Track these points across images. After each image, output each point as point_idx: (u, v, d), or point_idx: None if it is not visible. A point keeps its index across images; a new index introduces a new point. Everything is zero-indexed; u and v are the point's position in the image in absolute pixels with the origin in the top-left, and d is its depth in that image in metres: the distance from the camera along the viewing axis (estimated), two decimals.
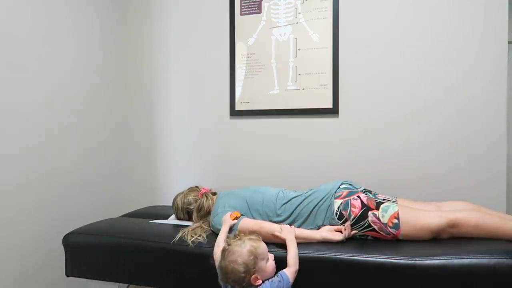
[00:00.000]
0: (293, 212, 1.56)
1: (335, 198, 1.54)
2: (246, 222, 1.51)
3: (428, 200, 1.78)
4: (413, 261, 1.26)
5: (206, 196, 1.75)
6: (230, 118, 2.33)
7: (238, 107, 2.30)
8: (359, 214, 1.47)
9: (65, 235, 1.72)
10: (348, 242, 1.44)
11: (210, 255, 1.40)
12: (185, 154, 2.44)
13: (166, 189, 2.48)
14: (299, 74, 2.17)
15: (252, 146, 2.29)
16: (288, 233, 1.39)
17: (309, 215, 1.55)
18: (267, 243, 1.33)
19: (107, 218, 2.18)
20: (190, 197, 1.77)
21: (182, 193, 1.81)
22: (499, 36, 1.86)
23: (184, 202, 1.78)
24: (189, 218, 1.78)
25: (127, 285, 1.87)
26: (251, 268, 1.20)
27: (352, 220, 1.47)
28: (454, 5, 1.92)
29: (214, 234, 1.55)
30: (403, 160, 2.02)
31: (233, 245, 1.25)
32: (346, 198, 1.53)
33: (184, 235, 1.54)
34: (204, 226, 1.64)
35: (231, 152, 2.34)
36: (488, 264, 1.21)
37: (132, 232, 1.64)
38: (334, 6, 2.09)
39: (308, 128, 2.18)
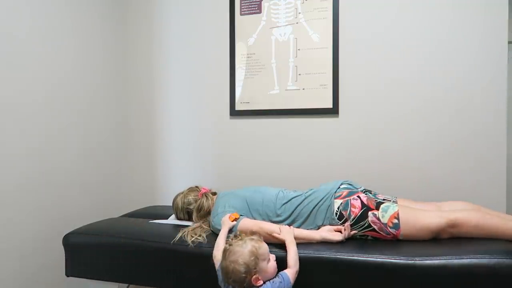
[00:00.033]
0: (293, 212, 1.56)
1: (335, 198, 1.54)
2: (246, 223, 1.51)
3: (428, 200, 1.78)
4: (413, 261, 1.26)
5: (206, 196, 1.75)
6: (230, 118, 2.33)
7: (238, 107, 2.30)
8: (359, 214, 1.47)
9: (65, 235, 1.72)
10: (348, 242, 1.44)
11: (210, 256, 1.40)
12: (185, 154, 2.44)
13: (166, 189, 2.48)
14: (299, 74, 2.17)
15: (252, 146, 2.29)
16: (287, 234, 1.39)
17: (309, 215, 1.55)
18: (268, 244, 1.33)
19: (107, 218, 2.18)
20: (190, 197, 1.77)
21: (182, 193, 1.81)
22: (499, 36, 1.86)
23: (184, 202, 1.78)
24: (189, 218, 1.78)
25: (127, 285, 1.87)
26: (252, 268, 1.20)
27: (352, 220, 1.47)
28: (454, 5, 1.92)
29: (214, 234, 1.55)
30: (403, 160, 2.02)
31: (234, 245, 1.25)
32: (346, 198, 1.53)
33: (184, 235, 1.54)
34: (204, 226, 1.64)
35: (231, 152, 2.34)
36: (488, 264, 1.21)
37: (132, 232, 1.64)
38: (334, 6, 2.09)
39: (308, 128, 2.18)
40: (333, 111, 2.11)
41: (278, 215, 1.58)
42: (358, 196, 1.52)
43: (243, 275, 1.19)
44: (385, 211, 1.45)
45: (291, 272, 1.27)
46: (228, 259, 1.23)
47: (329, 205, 1.53)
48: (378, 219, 1.45)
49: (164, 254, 1.53)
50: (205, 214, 1.71)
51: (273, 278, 1.24)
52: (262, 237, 1.33)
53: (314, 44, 2.14)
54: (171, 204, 1.85)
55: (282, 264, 1.29)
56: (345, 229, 1.45)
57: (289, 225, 1.54)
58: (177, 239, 1.53)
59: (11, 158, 1.79)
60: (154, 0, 2.48)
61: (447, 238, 1.42)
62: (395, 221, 1.43)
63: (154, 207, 2.29)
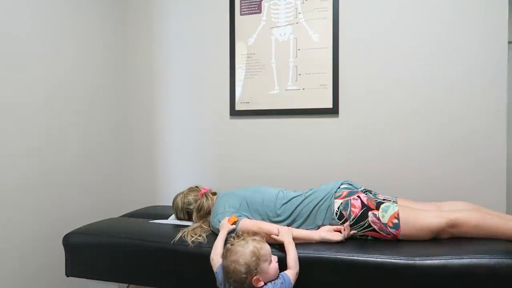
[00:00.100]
0: (293, 212, 1.56)
1: (335, 198, 1.54)
2: (246, 223, 1.51)
3: (428, 200, 1.79)
4: (413, 261, 1.26)
5: (206, 196, 1.75)
6: (230, 118, 2.33)
7: (238, 107, 2.30)
8: (359, 214, 1.47)
9: (65, 235, 1.72)
10: (348, 242, 1.44)
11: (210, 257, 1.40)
12: (185, 154, 2.44)
13: (166, 189, 2.48)
14: (299, 74, 2.17)
15: (252, 146, 2.29)
16: (285, 235, 1.39)
17: (309, 215, 1.55)
18: (270, 244, 1.33)
19: (107, 218, 2.18)
20: (190, 197, 1.77)
21: (182, 193, 1.81)
22: (499, 36, 1.86)
23: (184, 202, 1.78)
24: (189, 218, 1.78)
25: (127, 285, 1.87)
26: (253, 269, 1.19)
27: (352, 220, 1.47)
28: (454, 5, 1.92)
29: (214, 234, 1.55)
30: (403, 160, 2.02)
31: (236, 245, 1.24)
32: (346, 198, 1.52)
33: (184, 235, 1.54)
34: (204, 226, 1.64)
35: (231, 152, 2.34)
36: (488, 264, 1.21)
37: (132, 232, 1.64)
38: (334, 6, 2.09)
39: (308, 128, 2.18)
40: (333, 111, 2.11)
41: (278, 215, 1.58)
42: (358, 196, 1.52)
43: (244, 275, 1.19)
44: (385, 211, 1.45)
45: (291, 273, 1.27)
46: (229, 258, 1.23)
47: (329, 205, 1.53)
48: (378, 219, 1.45)
49: (164, 254, 1.53)
50: (205, 214, 1.71)
51: (275, 279, 1.24)
52: (263, 238, 1.33)
53: (314, 44, 2.14)
54: (171, 204, 1.86)
55: (282, 265, 1.29)
56: (344, 229, 1.45)
57: (289, 225, 1.55)
58: (177, 239, 1.53)
59: (11, 158, 1.79)
60: (154, 0, 2.48)
61: (447, 238, 1.42)
62: (395, 221, 1.43)
63: (154, 207, 2.29)
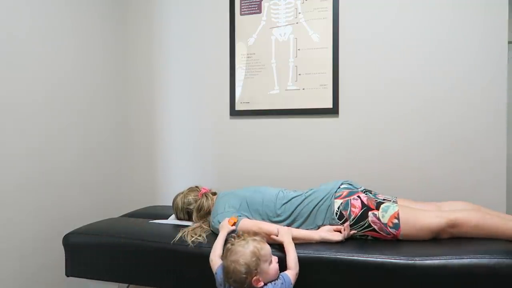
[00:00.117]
0: (293, 212, 1.56)
1: (335, 198, 1.54)
2: (246, 223, 1.51)
3: (428, 200, 1.79)
4: (413, 261, 1.26)
5: (206, 196, 1.75)
6: (230, 118, 2.33)
7: (238, 107, 2.30)
8: (359, 214, 1.47)
9: (65, 235, 1.72)
10: (348, 242, 1.44)
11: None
12: (185, 154, 2.44)
13: (166, 189, 2.48)
14: (299, 74, 2.17)
15: (252, 146, 2.29)
16: (285, 236, 1.38)
17: (309, 215, 1.55)
18: (270, 244, 1.33)
19: (107, 218, 2.18)
20: (190, 197, 1.77)
21: (182, 193, 1.81)
22: (499, 36, 1.86)
23: (184, 202, 1.78)
24: (189, 218, 1.78)
25: (127, 285, 1.87)
26: (252, 269, 1.19)
27: (352, 220, 1.47)
28: (454, 5, 1.92)
29: (214, 234, 1.55)
30: (403, 160, 2.02)
31: (236, 245, 1.24)
32: (346, 198, 1.52)
33: (184, 235, 1.54)
34: (204, 226, 1.64)
35: (231, 152, 2.34)
36: (488, 264, 1.21)
37: (132, 232, 1.64)
38: (334, 6, 2.09)
39: (308, 128, 2.18)
40: (333, 111, 2.11)
41: (278, 215, 1.58)
42: (358, 196, 1.52)
43: (244, 275, 1.18)
44: (385, 211, 1.45)
45: (291, 273, 1.26)
46: (229, 258, 1.23)
47: (329, 205, 1.53)
48: (378, 219, 1.45)
49: (164, 254, 1.53)
50: (205, 214, 1.71)
51: (275, 280, 1.23)
52: (264, 238, 1.33)
53: (314, 44, 2.14)
54: (171, 204, 1.86)
55: (282, 265, 1.29)
56: (344, 229, 1.45)
57: (289, 225, 1.55)
58: (177, 239, 1.53)
59: (11, 158, 1.79)
60: (154, 0, 2.48)
61: (447, 238, 1.42)
62: (395, 221, 1.43)
63: (154, 207, 2.28)
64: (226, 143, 2.34)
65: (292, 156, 2.21)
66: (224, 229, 1.45)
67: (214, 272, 1.32)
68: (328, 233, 1.45)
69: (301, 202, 1.58)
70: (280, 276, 1.25)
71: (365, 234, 1.48)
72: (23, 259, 1.86)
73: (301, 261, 1.32)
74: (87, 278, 1.68)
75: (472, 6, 1.89)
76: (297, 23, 2.17)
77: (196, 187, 1.84)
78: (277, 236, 1.41)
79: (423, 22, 1.97)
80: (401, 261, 1.27)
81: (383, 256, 1.30)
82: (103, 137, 2.37)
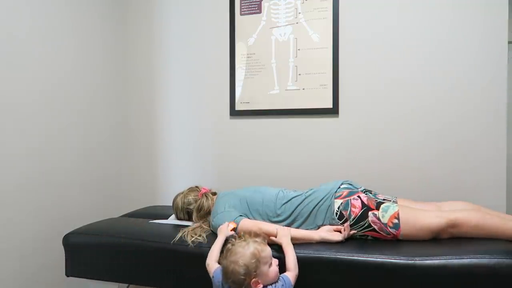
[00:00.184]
0: (293, 212, 1.56)
1: (336, 198, 1.54)
2: (246, 223, 1.51)
3: (428, 200, 1.79)
4: (413, 261, 1.26)
5: (206, 196, 1.75)
6: (230, 118, 2.33)
7: (238, 107, 2.30)
8: (359, 214, 1.47)
9: (65, 235, 1.72)
10: (348, 242, 1.44)
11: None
12: (185, 154, 2.44)
13: (166, 189, 2.48)
14: (299, 74, 2.17)
15: (252, 146, 2.29)
16: (284, 237, 1.37)
17: (309, 215, 1.55)
18: (270, 245, 1.32)
19: (107, 218, 2.18)
20: (190, 197, 1.77)
21: (182, 193, 1.81)
22: (499, 36, 1.86)
23: (184, 202, 1.78)
24: (189, 218, 1.78)
25: (127, 285, 1.87)
26: (252, 271, 1.18)
27: (352, 220, 1.47)
28: (454, 5, 1.92)
29: (214, 234, 1.55)
30: (403, 160, 2.01)
31: (236, 246, 1.23)
32: (347, 198, 1.52)
33: (184, 235, 1.54)
34: (204, 226, 1.64)
35: (231, 152, 2.34)
36: (488, 264, 1.21)
37: (132, 232, 1.64)
38: (334, 6, 2.09)
39: (308, 128, 2.18)
40: (333, 111, 2.11)
41: (278, 215, 1.58)
42: (359, 196, 1.52)
43: (242, 277, 1.18)
44: (385, 211, 1.45)
45: (291, 275, 1.26)
46: (228, 258, 1.22)
47: (330, 205, 1.53)
48: (378, 219, 1.45)
49: (164, 254, 1.53)
50: (205, 214, 1.71)
51: (275, 282, 1.22)
52: (265, 240, 1.32)
53: (314, 44, 2.14)
54: (171, 204, 1.85)
55: (281, 267, 1.29)
56: (344, 229, 1.45)
57: (289, 225, 1.54)
58: (177, 239, 1.53)
59: (11, 158, 1.79)
60: (154, 0, 2.48)
61: (447, 238, 1.42)
62: (395, 221, 1.43)
63: (154, 207, 2.28)
64: (226, 143, 2.34)
65: (292, 156, 2.21)
66: (222, 233, 1.44)
67: (211, 276, 1.31)
68: (328, 233, 1.45)
69: (301, 202, 1.58)
70: (280, 277, 1.24)
71: (365, 234, 1.48)
72: (23, 259, 1.86)
73: (301, 261, 1.32)
74: (87, 278, 1.68)
75: (472, 6, 1.89)
76: (297, 23, 2.17)
77: (196, 187, 1.84)
78: (276, 237, 1.40)
79: (423, 22, 1.97)
80: (401, 261, 1.27)
81: (383, 256, 1.30)
82: (103, 137, 2.37)
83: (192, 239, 1.51)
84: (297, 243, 1.40)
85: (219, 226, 1.52)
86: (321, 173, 2.14)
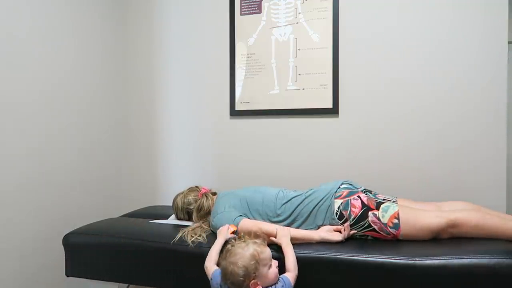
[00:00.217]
0: (293, 212, 1.56)
1: (336, 198, 1.54)
2: (246, 223, 1.51)
3: (428, 200, 1.78)
4: (413, 261, 1.26)
5: (206, 196, 1.75)
6: (230, 118, 2.33)
7: (238, 107, 2.30)
8: (359, 214, 1.47)
9: (65, 235, 1.72)
10: (348, 242, 1.44)
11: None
12: (185, 154, 2.44)
13: (166, 189, 2.48)
14: (299, 74, 2.17)
15: (252, 146, 2.29)
16: (283, 238, 1.37)
17: (309, 215, 1.55)
18: (269, 245, 1.32)
19: (107, 218, 2.18)
20: (190, 197, 1.77)
21: (182, 193, 1.81)
22: (499, 36, 1.86)
23: (184, 202, 1.78)
24: (189, 218, 1.78)
25: (127, 285, 1.87)
26: (251, 272, 1.17)
27: (352, 220, 1.47)
28: (454, 5, 1.92)
29: (214, 234, 1.55)
30: (403, 160, 2.01)
31: (236, 247, 1.23)
32: (347, 198, 1.52)
33: (184, 235, 1.54)
34: (204, 226, 1.64)
35: (231, 152, 2.34)
36: (488, 264, 1.21)
37: (132, 232, 1.64)
38: (334, 6, 2.09)
39: (308, 128, 2.18)
40: (333, 111, 2.11)
41: (278, 215, 1.58)
42: (359, 196, 1.52)
43: (241, 278, 1.17)
44: (385, 211, 1.45)
45: (291, 276, 1.26)
46: (227, 259, 1.22)
47: (330, 205, 1.53)
48: (378, 219, 1.45)
49: (164, 254, 1.53)
50: (205, 214, 1.71)
51: (275, 284, 1.22)
52: (265, 241, 1.31)
53: (314, 44, 2.14)
54: (171, 204, 1.85)
55: (281, 268, 1.29)
56: (344, 229, 1.45)
57: (289, 225, 1.54)
58: (177, 239, 1.53)
59: (11, 158, 1.79)
60: (154, 0, 2.48)
61: (447, 238, 1.42)
62: (395, 221, 1.43)
63: (154, 207, 2.28)
64: (226, 143, 2.34)
65: (292, 156, 2.21)
66: (222, 235, 1.43)
67: (209, 278, 1.30)
68: (328, 233, 1.45)
69: (301, 202, 1.58)
70: (280, 278, 1.24)
71: (365, 234, 1.48)
72: (23, 259, 1.86)
73: (301, 261, 1.32)
74: (87, 278, 1.68)
75: (472, 6, 1.89)
76: (297, 23, 2.17)
77: (196, 187, 1.84)
78: (275, 237, 1.40)
79: (423, 22, 1.97)
80: (401, 261, 1.27)
81: (383, 256, 1.30)
82: (103, 137, 2.37)
83: (192, 239, 1.51)
84: (297, 243, 1.40)
85: (219, 226, 1.52)
86: (321, 173, 2.14)
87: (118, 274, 1.61)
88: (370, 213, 1.46)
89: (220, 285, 1.25)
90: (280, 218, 1.57)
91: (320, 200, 1.55)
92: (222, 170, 2.36)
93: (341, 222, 1.49)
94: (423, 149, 1.99)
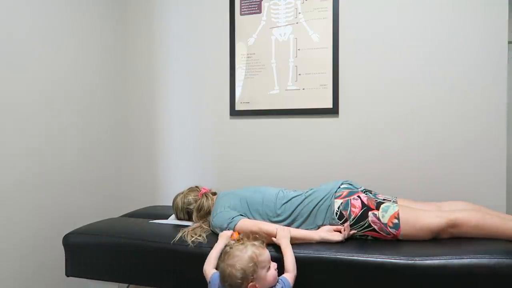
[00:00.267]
0: (293, 211, 1.56)
1: (336, 198, 1.54)
2: (246, 223, 1.51)
3: (428, 200, 1.79)
4: (413, 261, 1.26)
5: (206, 196, 1.75)
6: (230, 118, 2.33)
7: (238, 107, 2.30)
8: (359, 214, 1.47)
9: (65, 235, 1.72)
10: (348, 242, 1.44)
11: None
12: (185, 154, 2.44)
13: (166, 189, 2.48)
14: (299, 74, 2.17)
15: (252, 146, 2.29)
16: (283, 239, 1.36)
17: (309, 215, 1.55)
18: (268, 245, 1.32)
19: (107, 218, 2.18)
20: (190, 197, 1.77)
21: (182, 193, 1.81)
22: (499, 36, 1.86)
23: (184, 202, 1.78)
24: (189, 218, 1.78)
25: (127, 285, 1.87)
26: (249, 275, 1.17)
27: (352, 220, 1.47)
28: (454, 5, 1.92)
29: (214, 234, 1.55)
30: (403, 160, 2.01)
31: (234, 249, 1.22)
32: (346, 198, 1.52)
33: (184, 235, 1.54)
34: (204, 226, 1.64)
35: (231, 152, 2.33)
36: (488, 264, 1.21)
37: (132, 232, 1.64)
38: (334, 6, 2.09)
39: (308, 128, 2.18)
40: (333, 111, 2.11)
41: (278, 215, 1.58)
42: (359, 196, 1.52)
43: (239, 281, 1.16)
44: (385, 211, 1.45)
45: (290, 276, 1.25)
46: (226, 261, 1.21)
47: (329, 205, 1.53)
48: (378, 219, 1.45)
49: (164, 254, 1.53)
50: (205, 214, 1.71)
51: (274, 286, 1.21)
52: (264, 243, 1.30)
53: (314, 44, 2.14)
54: (171, 204, 1.85)
55: (280, 268, 1.29)
56: (344, 229, 1.45)
57: (289, 225, 1.54)
58: (177, 239, 1.53)
59: (11, 158, 1.79)
60: (154, 0, 2.48)
61: (447, 238, 1.42)
62: (395, 221, 1.43)
63: (154, 207, 2.28)
64: (226, 143, 2.34)
65: (292, 156, 2.21)
66: (223, 239, 1.42)
67: (207, 281, 1.30)
68: (328, 233, 1.45)
69: (301, 202, 1.58)
70: (279, 280, 1.24)
71: (365, 234, 1.48)
72: (23, 259, 1.86)
73: (301, 261, 1.32)
74: (87, 278, 1.68)
75: (472, 6, 1.89)
76: (297, 23, 2.17)
77: (196, 187, 1.84)
78: (275, 237, 1.40)
79: (423, 22, 1.97)
80: (401, 261, 1.27)
81: (383, 256, 1.30)
82: (103, 137, 2.37)
83: (192, 239, 1.51)
84: (297, 243, 1.40)
85: (218, 225, 1.52)
86: (321, 173, 2.14)
87: (118, 274, 1.61)
88: (370, 213, 1.47)
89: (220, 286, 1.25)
90: (280, 218, 1.57)
91: (320, 200, 1.55)
92: (222, 170, 2.36)
93: (341, 222, 1.49)
94: (423, 149, 1.99)
